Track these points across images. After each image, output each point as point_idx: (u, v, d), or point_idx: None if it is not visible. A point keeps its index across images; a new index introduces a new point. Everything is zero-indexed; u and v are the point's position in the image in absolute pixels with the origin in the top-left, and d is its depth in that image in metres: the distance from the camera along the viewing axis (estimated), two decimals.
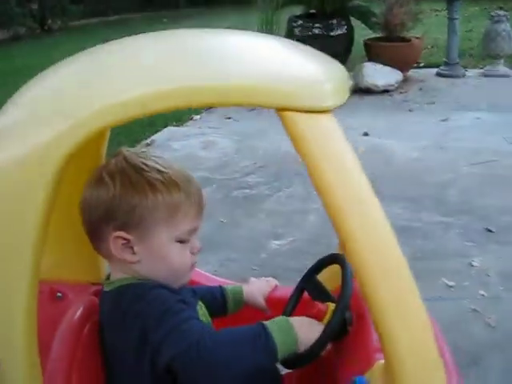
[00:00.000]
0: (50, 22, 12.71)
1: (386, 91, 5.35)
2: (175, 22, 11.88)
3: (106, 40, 1.13)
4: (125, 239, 1.07)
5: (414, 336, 0.87)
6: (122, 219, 1.07)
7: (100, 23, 13.88)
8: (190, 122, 4.98)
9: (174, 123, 4.90)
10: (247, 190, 3.39)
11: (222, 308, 1.33)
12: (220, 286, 1.36)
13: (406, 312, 0.87)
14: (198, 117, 5.11)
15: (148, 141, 4.42)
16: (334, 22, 5.58)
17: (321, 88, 0.86)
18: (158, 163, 1.10)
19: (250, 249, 2.73)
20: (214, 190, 3.39)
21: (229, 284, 1.39)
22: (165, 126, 4.81)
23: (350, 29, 5.71)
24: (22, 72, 8.44)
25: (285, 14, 5.85)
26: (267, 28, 5.40)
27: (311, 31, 5.61)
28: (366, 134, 4.18)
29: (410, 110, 4.83)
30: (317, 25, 5.58)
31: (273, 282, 1.40)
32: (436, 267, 2.45)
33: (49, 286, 1.23)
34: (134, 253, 1.08)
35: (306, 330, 1.05)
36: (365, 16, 5.60)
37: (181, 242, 1.10)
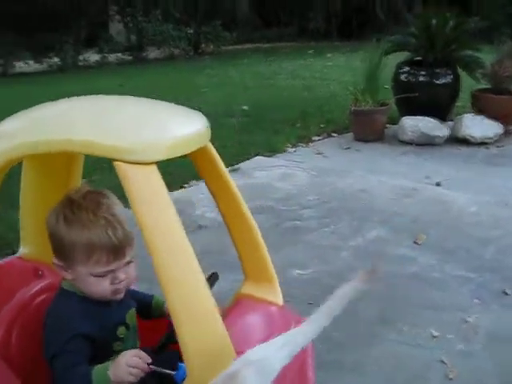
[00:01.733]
0: (203, 45, 13.82)
1: (483, 143, 5.33)
2: (316, 55, 12.39)
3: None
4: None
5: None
6: (55, 247, 1.40)
7: (250, 50, 14.76)
8: (282, 153, 5.33)
9: (266, 153, 5.28)
10: (298, 222, 3.67)
11: (147, 313, 1.63)
12: (153, 296, 1.66)
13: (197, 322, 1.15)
14: (293, 149, 5.46)
15: (235, 167, 4.84)
16: (440, 70, 5.66)
17: (144, 145, 1.17)
18: (100, 209, 1.35)
19: None
20: (269, 219, 3.70)
21: None
22: (256, 155, 5.21)
23: (456, 78, 5.73)
24: (178, 85, 9.35)
25: (395, 59, 6.03)
26: (373, 72, 5.61)
27: (417, 78, 5.73)
28: (437, 184, 4.27)
29: (495, 165, 4.80)
30: (422, 72, 5.69)
31: None
32: (432, 317, 2.57)
33: (33, 265, 1.60)
34: (68, 273, 1.39)
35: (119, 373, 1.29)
36: (470, 67, 5.60)
37: (98, 276, 1.36)
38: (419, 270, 3.01)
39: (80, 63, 12.77)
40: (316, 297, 2.67)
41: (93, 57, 13.15)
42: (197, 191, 4.33)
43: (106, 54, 13.11)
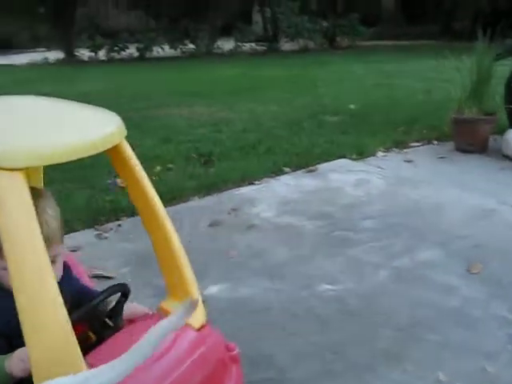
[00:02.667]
0: (338, 39, 13.63)
1: None
2: (451, 56, 11.70)
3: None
4: None
5: None
6: None
7: (387, 46, 14.31)
8: (370, 158, 5.08)
9: (353, 156, 5.06)
10: (351, 233, 3.46)
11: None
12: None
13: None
14: (383, 154, 5.18)
15: (311, 168, 4.69)
16: None
17: (6, 152, 1.13)
18: None
19: (298, 284, 2.87)
20: (323, 226, 3.55)
21: None
22: (341, 157, 5.01)
23: None
24: (297, 79, 9.33)
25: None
26: (482, 78, 5.15)
27: None
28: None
29: None
30: None
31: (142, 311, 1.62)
32: (447, 358, 2.29)
33: None
34: None
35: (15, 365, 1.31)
36: None
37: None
38: (458, 303, 2.69)
39: (214, 51, 13.16)
40: (329, 317, 2.54)
41: (227, 45, 13.48)
42: (265, 189, 4.27)
43: (240, 44, 13.38)
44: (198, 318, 1.48)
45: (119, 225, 3.54)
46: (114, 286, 1.53)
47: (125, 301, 1.54)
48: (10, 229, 1.13)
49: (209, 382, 1.44)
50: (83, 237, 3.38)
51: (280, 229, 3.54)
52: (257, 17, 14.09)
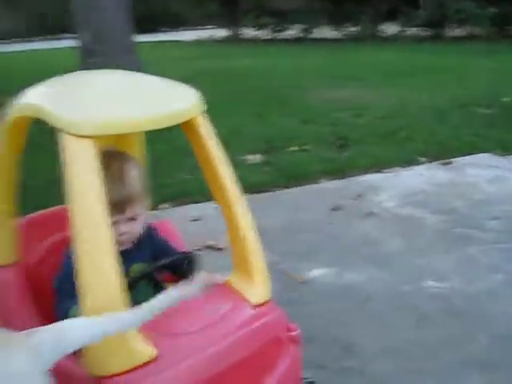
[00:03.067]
0: (509, 27, 12.68)
1: None
2: None
3: None
4: None
5: None
6: None
7: None
8: None
9: (499, 151, 4.77)
10: (472, 231, 3.30)
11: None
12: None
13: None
14: None
15: (447, 161, 4.51)
16: None
17: (80, 121, 1.26)
18: (110, 168, 1.44)
19: (406, 277, 2.81)
20: (448, 221, 3.43)
21: None
22: (484, 151, 4.75)
23: None
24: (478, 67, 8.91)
25: None
26: None
27: None
28: None
29: None
30: None
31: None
32: None
33: None
34: None
35: None
36: None
37: None
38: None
39: (377, 34, 12.94)
40: (429, 315, 2.48)
41: (391, 29, 13.18)
42: (393, 178, 4.21)
43: (404, 28, 13.01)
44: (258, 294, 1.52)
45: None
46: (183, 254, 1.65)
47: (191, 270, 1.66)
48: (74, 189, 1.25)
49: (259, 357, 1.48)
50: (205, 209, 3.53)
51: (400, 219, 3.47)
52: (423, 1, 13.55)
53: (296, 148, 4.60)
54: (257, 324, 1.48)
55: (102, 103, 1.35)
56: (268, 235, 3.09)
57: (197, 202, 3.63)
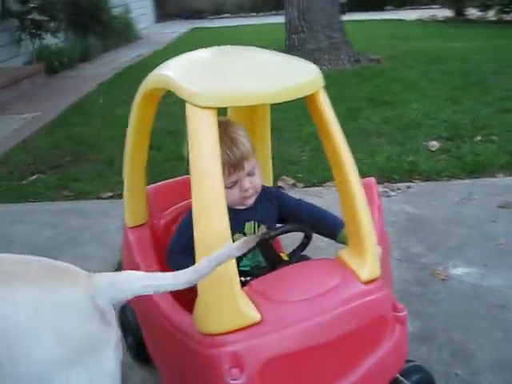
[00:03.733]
0: None
1: None
2: None
3: None
4: None
5: None
6: None
7: None
8: None
9: None
10: None
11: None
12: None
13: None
14: None
15: None
16: None
17: (202, 92, 1.37)
18: (225, 135, 1.63)
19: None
20: None
21: None
22: None
23: None
24: None
25: None
26: None
27: None
28: None
29: None
30: None
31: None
32: None
33: None
34: None
35: None
36: None
37: (228, 188, 1.66)
38: None
39: None
40: None
41: None
42: None
43: None
44: (367, 271, 1.54)
45: (409, 186, 3.57)
46: (300, 226, 1.74)
47: (307, 243, 1.75)
48: (197, 154, 1.38)
49: (363, 333, 1.51)
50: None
51: None
52: None
53: (483, 138, 4.33)
54: (363, 300, 1.51)
55: (227, 77, 1.46)
56: (423, 225, 3.07)
57: None
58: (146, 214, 1.93)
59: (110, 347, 1.18)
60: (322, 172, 3.76)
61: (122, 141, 1.81)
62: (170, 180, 2.14)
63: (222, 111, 1.66)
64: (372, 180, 1.96)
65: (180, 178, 2.10)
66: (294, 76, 1.50)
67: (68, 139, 4.99)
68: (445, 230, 3.03)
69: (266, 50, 1.70)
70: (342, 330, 1.49)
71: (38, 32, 8.32)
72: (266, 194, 1.81)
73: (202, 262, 1.22)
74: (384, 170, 3.81)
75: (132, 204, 1.91)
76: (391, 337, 1.58)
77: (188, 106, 1.41)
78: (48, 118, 5.76)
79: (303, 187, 3.67)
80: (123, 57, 9.72)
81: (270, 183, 2.11)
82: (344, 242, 1.70)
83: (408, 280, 2.58)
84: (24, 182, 4.07)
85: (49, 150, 4.72)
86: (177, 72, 1.51)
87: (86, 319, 1.15)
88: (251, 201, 1.75)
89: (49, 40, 8.60)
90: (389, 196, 3.50)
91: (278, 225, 1.82)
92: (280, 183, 3.64)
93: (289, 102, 1.42)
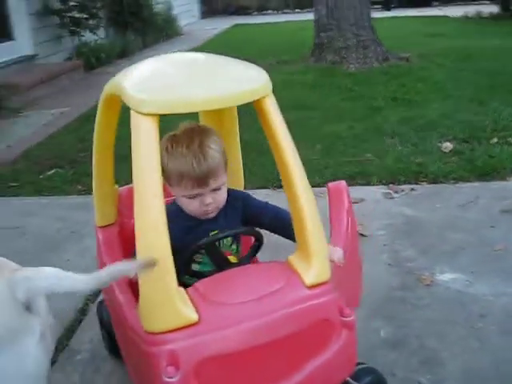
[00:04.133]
0: None
1: None
2: None
3: None
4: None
5: None
6: (162, 172, 1.60)
7: None
8: None
9: None
10: None
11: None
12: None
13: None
14: None
15: None
16: None
17: (139, 98, 1.42)
18: (192, 144, 1.62)
19: None
20: None
21: None
22: None
23: None
24: None
25: None
26: None
27: None
28: None
29: None
30: None
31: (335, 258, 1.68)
32: None
33: None
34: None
35: None
36: None
37: (188, 198, 1.67)
38: None
39: None
40: None
41: None
42: None
43: None
44: (313, 275, 1.54)
45: (412, 189, 3.54)
46: (250, 229, 1.76)
47: (258, 246, 1.77)
48: (137, 162, 1.42)
49: (306, 335, 1.53)
50: (371, 192, 3.52)
51: None
52: None
53: (500, 140, 4.23)
54: (305, 304, 1.53)
55: (172, 83, 1.50)
56: (419, 229, 3.04)
57: (369, 185, 3.66)
58: (114, 214, 2.00)
59: (34, 337, 1.27)
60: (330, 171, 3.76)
61: None
62: None
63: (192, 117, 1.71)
64: (342, 183, 1.97)
65: None
66: (236, 82, 1.53)
67: (92, 134, 5.13)
68: (440, 234, 2.99)
69: (221, 57, 1.71)
70: (281, 332, 1.51)
71: (78, 29, 8.54)
72: (230, 198, 1.79)
73: (104, 270, 1.30)
74: (391, 172, 3.78)
75: (100, 204, 1.98)
76: (337, 341, 1.59)
77: (132, 113, 1.46)
78: (76, 113, 5.94)
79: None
80: (160, 53, 9.83)
81: (241, 186, 2.13)
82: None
83: (393, 285, 2.57)
84: (41, 176, 4.21)
85: (72, 146, 4.87)
86: (127, 79, 1.56)
87: (5, 309, 1.22)
88: (212, 215, 1.74)
89: (88, 37, 8.83)
90: (392, 198, 3.47)
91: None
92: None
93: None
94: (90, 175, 4.03)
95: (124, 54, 9.64)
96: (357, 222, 2.22)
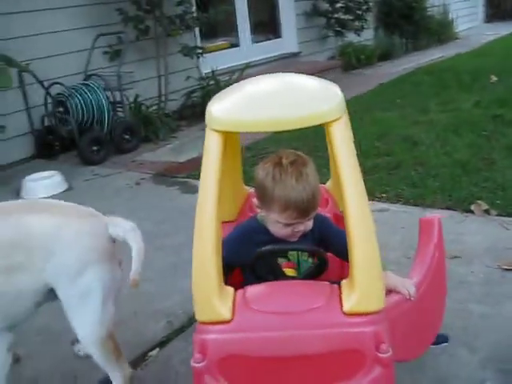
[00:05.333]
0: None
1: None
2: None
3: None
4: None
5: None
6: (257, 193, 1.81)
7: None
8: None
9: None
10: None
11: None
12: None
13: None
14: None
15: None
16: None
17: (211, 116, 1.59)
18: (301, 177, 1.71)
19: None
20: None
21: None
22: None
23: None
24: None
25: None
26: None
27: None
28: None
29: None
30: None
31: (405, 290, 1.71)
32: None
33: None
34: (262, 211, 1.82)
35: None
36: None
37: (284, 224, 1.76)
38: None
39: None
40: None
41: None
42: None
43: None
44: (351, 303, 1.56)
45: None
46: (315, 249, 1.80)
47: (320, 269, 1.80)
48: (203, 171, 1.59)
49: (332, 361, 1.56)
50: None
51: None
52: None
53: None
54: (335, 329, 1.56)
55: (244, 104, 1.65)
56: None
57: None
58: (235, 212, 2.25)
59: (115, 261, 1.93)
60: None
61: None
62: None
63: None
64: (436, 217, 1.92)
65: None
66: (302, 106, 1.59)
67: (305, 135, 5.39)
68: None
69: (303, 76, 1.75)
70: (305, 350, 1.57)
71: (343, 30, 8.89)
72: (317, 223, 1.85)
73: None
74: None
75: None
76: (367, 375, 1.58)
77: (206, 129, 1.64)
78: None
79: None
80: (425, 58, 9.69)
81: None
82: None
83: None
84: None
85: (287, 141, 5.19)
86: (214, 100, 1.72)
87: (103, 239, 1.91)
88: (295, 239, 1.83)
89: (352, 37, 9.11)
90: None
91: None
92: None
93: None
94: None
95: (387, 57, 9.70)
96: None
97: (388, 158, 4.52)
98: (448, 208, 3.54)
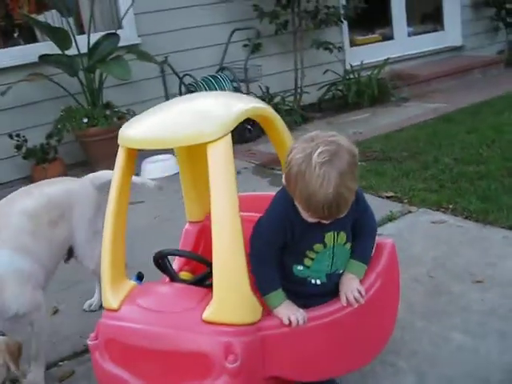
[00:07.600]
0: None
1: None
2: None
3: None
4: None
5: None
6: (287, 175, 1.69)
7: None
8: None
9: None
10: None
11: None
12: None
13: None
14: None
15: None
16: None
17: (119, 134, 1.85)
18: (318, 179, 1.58)
19: None
20: None
21: None
22: None
23: None
24: None
25: None
26: None
27: None
28: None
29: None
30: None
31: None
32: None
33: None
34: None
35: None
36: None
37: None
38: None
39: None
40: None
41: None
42: None
43: None
44: (208, 312, 1.72)
45: None
46: (197, 256, 2.01)
47: (207, 276, 1.95)
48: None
49: (183, 360, 1.73)
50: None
51: None
52: None
53: None
54: (189, 332, 1.74)
55: (149, 124, 1.88)
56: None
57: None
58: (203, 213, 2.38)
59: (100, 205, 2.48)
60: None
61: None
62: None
63: None
64: (389, 241, 2.01)
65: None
66: (184, 127, 1.78)
67: (426, 135, 5.25)
68: None
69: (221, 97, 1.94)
70: (165, 346, 1.77)
71: None
72: None
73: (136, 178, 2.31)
74: None
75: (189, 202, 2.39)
76: (214, 381, 1.72)
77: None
78: (445, 110, 5.98)
79: None
80: None
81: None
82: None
83: None
84: None
85: (402, 143, 5.10)
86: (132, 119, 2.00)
87: (92, 191, 2.63)
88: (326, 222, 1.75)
89: None
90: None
91: None
92: None
93: None
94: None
95: None
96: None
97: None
98: (510, 228, 3.27)
